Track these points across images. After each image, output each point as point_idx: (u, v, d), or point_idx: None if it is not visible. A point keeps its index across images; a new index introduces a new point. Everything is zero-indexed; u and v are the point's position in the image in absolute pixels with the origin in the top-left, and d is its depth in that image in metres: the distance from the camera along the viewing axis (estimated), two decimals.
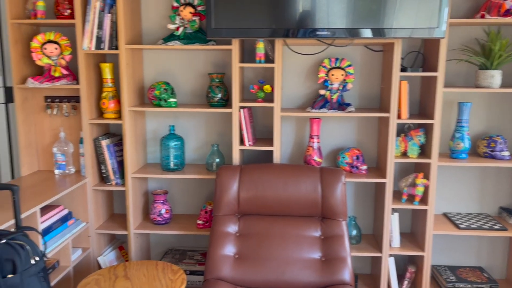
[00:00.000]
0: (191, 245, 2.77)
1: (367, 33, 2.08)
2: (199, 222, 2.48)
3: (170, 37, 2.36)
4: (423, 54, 2.45)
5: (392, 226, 2.41)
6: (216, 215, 2.21)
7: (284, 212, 2.21)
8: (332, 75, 2.37)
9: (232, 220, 2.21)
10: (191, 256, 2.63)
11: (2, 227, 1.69)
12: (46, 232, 2.10)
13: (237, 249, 2.14)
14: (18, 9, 2.34)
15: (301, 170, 2.24)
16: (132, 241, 2.47)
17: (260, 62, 2.29)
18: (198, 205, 2.72)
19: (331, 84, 2.39)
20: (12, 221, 1.74)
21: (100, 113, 2.53)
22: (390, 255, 2.45)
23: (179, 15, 2.37)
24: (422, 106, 2.46)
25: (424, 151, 2.44)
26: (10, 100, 2.92)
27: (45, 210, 2.19)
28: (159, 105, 2.39)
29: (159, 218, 2.49)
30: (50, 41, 2.33)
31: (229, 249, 2.13)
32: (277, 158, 2.37)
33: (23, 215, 1.82)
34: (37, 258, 1.34)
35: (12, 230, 1.37)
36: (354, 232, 2.47)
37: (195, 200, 2.72)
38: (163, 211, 2.49)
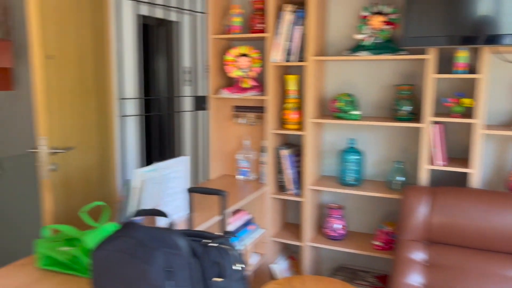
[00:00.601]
0: (362, 265, 2.63)
1: None
2: (376, 243, 2.33)
3: (358, 47, 2.28)
4: None
5: None
6: (400, 239, 2.04)
7: (484, 246, 1.91)
8: None
9: (418, 247, 2.00)
10: (363, 277, 2.49)
11: (199, 228, 1.81)
12: None
13: (427, 280, 1.92)
14: (217, 25, 2.54)
15: (507, 198, 1.91)
16: (305, 253, 2.44)
17: (463, 72, 2.04)
18: (373, 224, 2.57)
19: None
20: (205, 224, 1.86)
21: (280, 123, 2.58)
22: None
23: (367, 24, 2.27)
24: None
25: None
26: (198, 108, 3.21)
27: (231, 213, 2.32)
28: (341, 117, 2.32)
29: (333, 233, 2.42)
30: (242, 54, 2.47)
31: (415, 279, 1.93)
32: (475, 182, 2.08)
33: (216, 218, 1.93)
34: (240, 265, 1.36)
35: (217, 234, 1.43)
36: None
37: (371, 219, 2.57)
38: (339, 226, 2.41)
